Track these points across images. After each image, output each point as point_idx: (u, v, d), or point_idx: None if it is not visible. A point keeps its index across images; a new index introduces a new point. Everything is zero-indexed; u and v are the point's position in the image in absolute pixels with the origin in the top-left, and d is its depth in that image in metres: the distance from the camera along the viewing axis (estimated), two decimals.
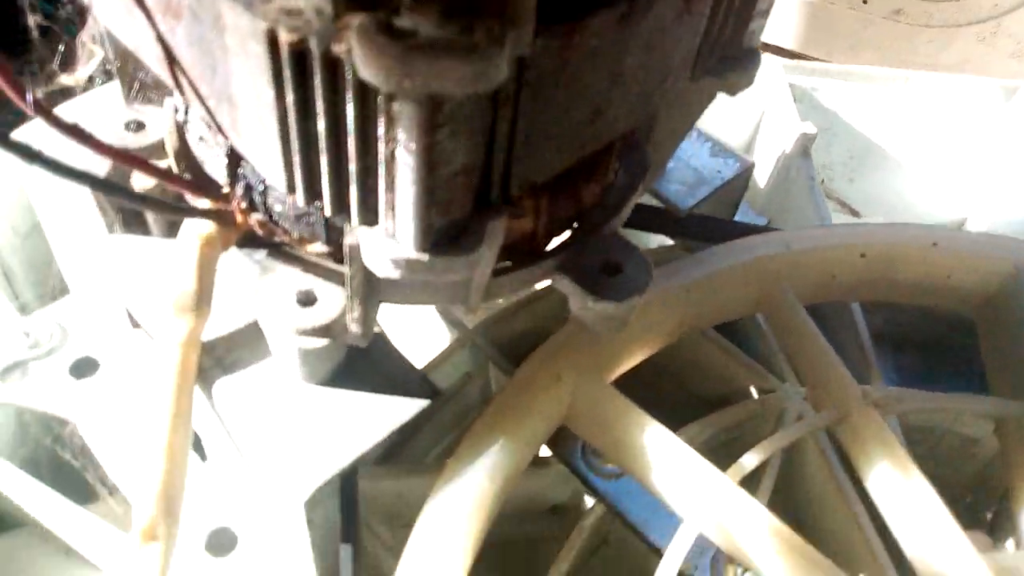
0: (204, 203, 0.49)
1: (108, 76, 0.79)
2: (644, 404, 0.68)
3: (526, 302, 0.85)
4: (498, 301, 0.89)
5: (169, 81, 0.43)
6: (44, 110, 0.39)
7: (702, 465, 0.65)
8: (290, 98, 0.36)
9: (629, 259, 0.54)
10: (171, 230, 0.60)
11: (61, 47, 0.81)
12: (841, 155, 1.39)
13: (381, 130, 0.35)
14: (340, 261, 0.48)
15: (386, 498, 0.78)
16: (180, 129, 0.51)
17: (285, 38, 0.33)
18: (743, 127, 1.23)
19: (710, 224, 0.86)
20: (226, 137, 0.45)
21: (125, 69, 0.59)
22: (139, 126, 0.59)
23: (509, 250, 0.49)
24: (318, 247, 0.50)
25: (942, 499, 0.64)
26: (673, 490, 0.66)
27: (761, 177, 1.14)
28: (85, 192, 0.68)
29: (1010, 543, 0.84)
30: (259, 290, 0.50)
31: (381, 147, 0.36)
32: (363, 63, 0.31)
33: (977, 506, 0.97)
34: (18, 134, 0.64)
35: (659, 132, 0.61)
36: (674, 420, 0.68)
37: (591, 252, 0.53)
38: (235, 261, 0.52)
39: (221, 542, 0.56)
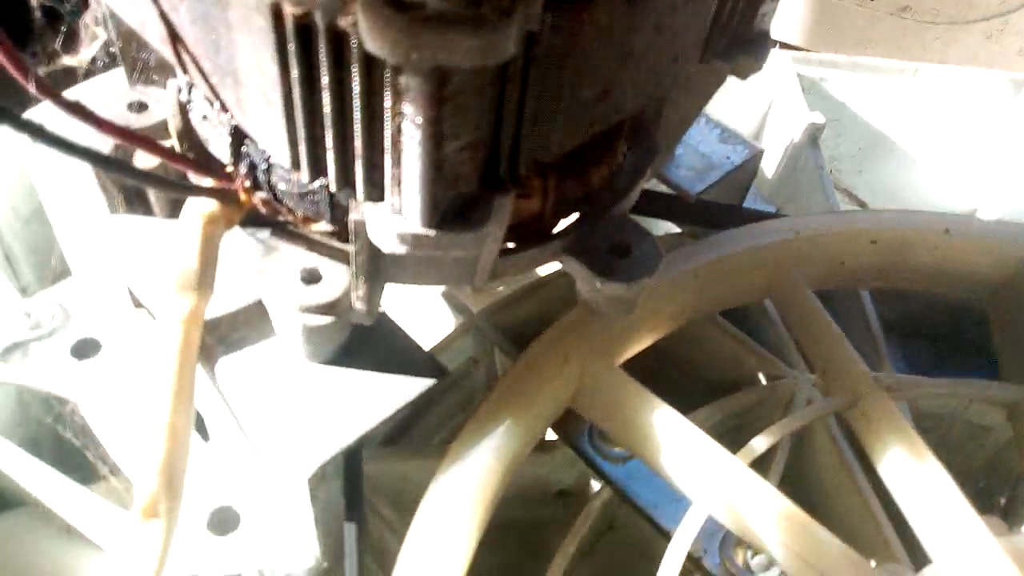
0: (208, 182, 0.49)
1: (111, 58, 0.78)
2: (652, 389, 0.68)
3: (531, 288, 0.85)
4: (501, 288, 0.89)
5: (173, 59, 0.43)
6: (46, 88, 0.38)
7: (712, 447, 0.64)
8: (295, 72, 0.35)
9: (639, 241, 0.54)
10: (174, 211, 0.59)
11: (64, 28, 0.81)
12: (849, 146, 1.38)
13: (387, 104, 0.35)
14: (345, 240, 0.48)
15: (391, 480, 0.78)
16: (183, 109, 0.51)
17: (289, 11, 0.33)
18: (750, 117, 1.23)
19: (718, 210, 0.86)
20: (230, 114, 0.44)
21: (128, 50, 0.59)
22: (142, 107, 0.59)
23: (517, 230, 0.49)
24: (323, 226, 0.49)
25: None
26: (682, 472, 0.65)
27: (769, 167, 1.14)
28: (87, 172, 0.68)
29: None
30: (263, 268, 0.50)
31: (387, 121, 0.36)
32: (369, 35, 0.31)
33: (990, 491, 0.96)
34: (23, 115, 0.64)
35: (668, 115, 0.60)
36: (682, 406, 0.68)
37: (600, 234, 0.53)
38: (239, 240, 0.51)
39: (224, 520, 0.56)
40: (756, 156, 0.89)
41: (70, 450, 0.68)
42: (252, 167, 0.48)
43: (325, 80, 0.35)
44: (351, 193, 0.41)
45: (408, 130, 0.35)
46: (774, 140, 1.14)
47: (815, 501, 0.77)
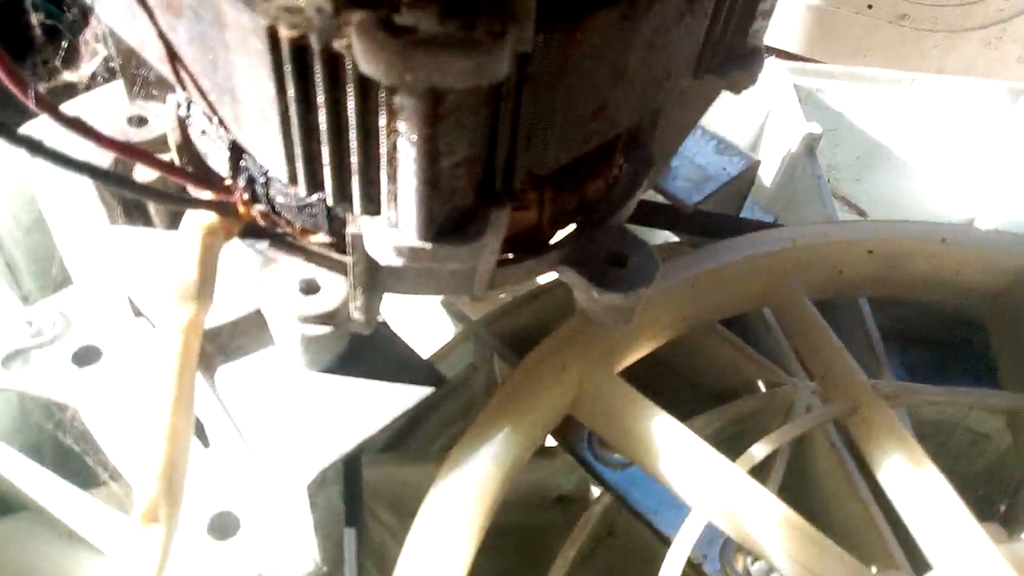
0: (207, 195, 0.49)
1: (111, 73, 0.79)
2: (651, 397, 0.68)
3: (530, 296, 0.86)
4: (501, 296, 0.89)
5: (171, 77, 0.43)
6: (45, 103, 0.39)
7: (711, 454, 0.65)
8: (291, 92, 0.36)
9: (636, 251, 0.54)
10: (173, 222, 0.60)
11: (64, 45, 0.81)
12: (847, 156, 1.38)
13: (383, 122, 0.35)
14: (343, 251, 0.48)
15: (391, 485, 0.78)
16: (182, 123, 0.52)
17: (285, 34, 0.33)
18: (748, 127, 1.23)
19: (716, 220, 0.86)
20: (228, 131, 0.45)
21: (128, 66, 0.60)
22: (141, 121, 0.60)
23: (514, 242, 0.50)
24: (321, 237, 0.50)
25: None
26: (682, 479, 0.65)
27: (767, 176, 1.14)
28: (87, 185, 0.68)
29: None
30: (262, 279, 0.50)
31: (383, 139, 0.36)
32: (363, 58, 0.31)
33: (990, 498, 0.97)
34: (23, 129, 0.64)
35: (664, 127, 0.61)
36: (682, 413, 0.68)
37: (597, 244, 0.53)
38: (238, 251, 0.52)
39: (224, 525, 0.57)
40: (752, 167, 0.90)
41: (71, 455, 0.69)
42: (250, 180, 0.48)
43: (321, 99, 0.36)
44: (348, 207, 0.42)
45: (403, 147, 0.35)
46: (771, 150, 1.15)
47: (815, 508, 0.77)
